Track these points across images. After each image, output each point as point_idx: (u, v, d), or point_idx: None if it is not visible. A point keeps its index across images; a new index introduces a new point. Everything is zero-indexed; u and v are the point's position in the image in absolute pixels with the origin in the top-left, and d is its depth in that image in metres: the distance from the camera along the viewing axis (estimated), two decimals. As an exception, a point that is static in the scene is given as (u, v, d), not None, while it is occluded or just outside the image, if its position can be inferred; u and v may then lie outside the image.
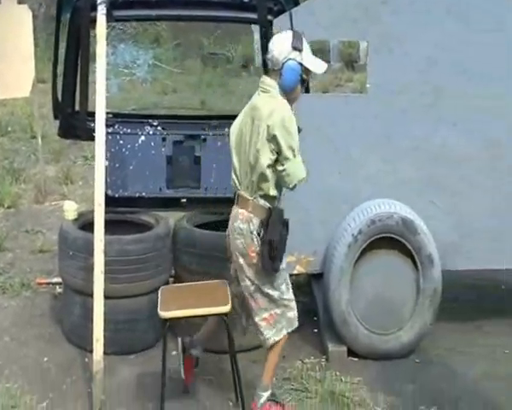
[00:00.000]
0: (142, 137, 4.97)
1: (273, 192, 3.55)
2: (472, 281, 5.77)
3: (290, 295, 3.76)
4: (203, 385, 4.25)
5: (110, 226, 4.30)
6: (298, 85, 3.50)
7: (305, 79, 3.51)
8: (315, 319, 5.06)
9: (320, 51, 18.26)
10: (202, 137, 4.98)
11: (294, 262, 4.64)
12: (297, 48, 3.39)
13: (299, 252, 4.63)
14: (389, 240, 4.51)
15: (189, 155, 5.03)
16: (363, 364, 4.55)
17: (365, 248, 4.50)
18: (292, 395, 4.13)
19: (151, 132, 4.98)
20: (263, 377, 3.81)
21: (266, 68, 3.61)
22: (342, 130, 4.52)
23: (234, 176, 3.69)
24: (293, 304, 3.77)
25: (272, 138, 3.42)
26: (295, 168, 3.50)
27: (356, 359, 4.59)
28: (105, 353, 4.02)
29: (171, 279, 4.84)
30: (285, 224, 3.58)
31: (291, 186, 3.56)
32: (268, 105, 3.46)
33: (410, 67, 4.51)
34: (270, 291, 3.65)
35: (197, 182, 5.02)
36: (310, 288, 5.30)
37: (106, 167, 4.46)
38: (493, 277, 5.69)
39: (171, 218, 5.23)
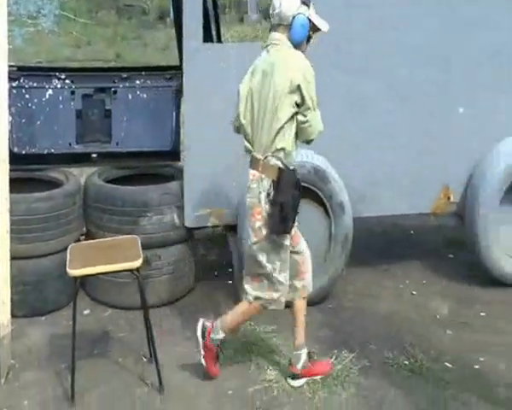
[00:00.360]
0: (50, 91, 4.82)
1: (289, 148, 3.43)
2: (382, 228, 5.95)
3: (282, 278, 3.57)
4: (116, 343, 4.23)
5: (17, 184, 4.19)
6: (305, 40, 3.42)
7: (310, 36, 3.44)
8: (230, 270, 5.08)
9: (237, 3, 18.41)
10: (113, 89, 4.86)
11: (208, 214, 4.65)
12: (306, 2, 3.36)
13: (212, 204, 4.63)
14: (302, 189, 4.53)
15: (99, 109, 4.91)
16: (278, 312, 4.55)
17: None
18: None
19: (59, 86, 4.83)
20: (295, 335, 3.83)
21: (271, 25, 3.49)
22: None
23: (246, 140, 3.56)
24: (282, 288, 3.59)
25: (296, 89, 3.31)
26: (316, 120, 3.41)
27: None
28: (14, 316, 3.95)
29: (83, 237, 4.76)
30: (298, 185, 3.45)
31: (312, 137, 3.45)
32: (285, 57, 3.37)
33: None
34: (263, 262, 3.52)
35: (108, 136, 4.93)
36: (225, 241, 5.31)
37: (11, 123, 4.29)
38: (402, 223, 5.89)
39: (83, 174, 5.12)
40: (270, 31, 3.48)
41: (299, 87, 3.30)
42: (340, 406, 3.62)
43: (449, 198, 5.01)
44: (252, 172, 3.49)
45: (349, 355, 4.05)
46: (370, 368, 3.96)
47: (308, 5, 3.38)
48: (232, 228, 4.81)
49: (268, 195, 3.40)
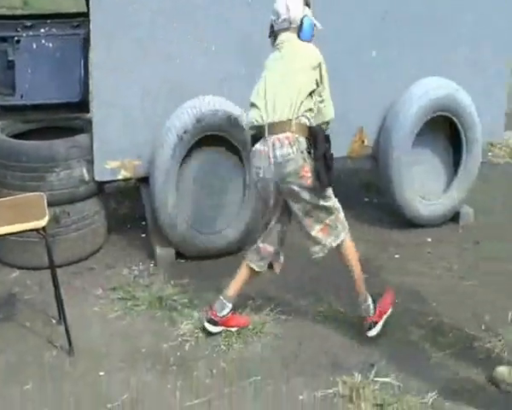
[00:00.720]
0: None
1: (315, 109, 3.57)
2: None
3: (335, 198, 3.66)
4: (23, 305, 4.09)
5: None
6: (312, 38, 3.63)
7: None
8: (143, 223, 4.99)
9: None
10: (15, 39, 4.59)
11: (119, 167, 4.51)
12: (308, 4, 3.64)
13: (123, 156, 4.49)
14: (216, 138, 4.46)
15: (0, 60, 4.64)
16: (192, 265, 4.56)
17: (191, 147, 4.43)
18: (119, 304, 4.08)
19: (-43, 35, 4.53)
20: (357, 289, 3.73)
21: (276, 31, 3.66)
22: (160, 23, 4.35)
23: (256, 113, 3.54)
24: (339, 205, 3.67)
25: (317, 66, 3.52)
26: (330, 103, 3.66)
27: (184, 260, 4.60)
28: None
29: (-14, 195, 4.54)
30: (328, 138, 3.54)
31: (327, 119, 3.67)
32: (300, 45, 3.58)
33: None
34: (326, 203, 3.57)
35: (11, 88, 4.65)
36: (138, 193, 5.20)
37: None
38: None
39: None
40: (272, 35, 3.67)
41: (319, 65, 3.52)
42: (254, 356, 3.61)
43: (363, 141, 5.02)
44: (281, 136, 3.44)
45: (266, 306, 4.03)
46: (287, 318, 3.96)
47: (309, 6, 3.64)
48: (145, 180, 4.69)
49: (308, 153, 3.46)
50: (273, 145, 3.45)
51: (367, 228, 5.15)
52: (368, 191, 5.73)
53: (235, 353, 3.65)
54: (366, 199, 5.66)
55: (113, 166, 4.48)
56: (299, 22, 3.56)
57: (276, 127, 3.45)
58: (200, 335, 3.78)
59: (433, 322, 3.94)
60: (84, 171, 4.44)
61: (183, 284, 4.29)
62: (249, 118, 3.60)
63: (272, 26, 3.64)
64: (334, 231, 3.62)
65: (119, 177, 4.55)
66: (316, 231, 3.62)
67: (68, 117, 4.81)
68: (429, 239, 5.02)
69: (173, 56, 4.41)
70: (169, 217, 4.45)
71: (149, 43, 4.35)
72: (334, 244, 3.65)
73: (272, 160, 3.47)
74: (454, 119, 4.97)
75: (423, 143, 5.01)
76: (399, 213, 5.11)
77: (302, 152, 3.45)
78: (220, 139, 4.48)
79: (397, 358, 3.59)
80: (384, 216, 5.25)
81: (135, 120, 4.43)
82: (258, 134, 3.53)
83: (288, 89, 3.47)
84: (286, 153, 3.43)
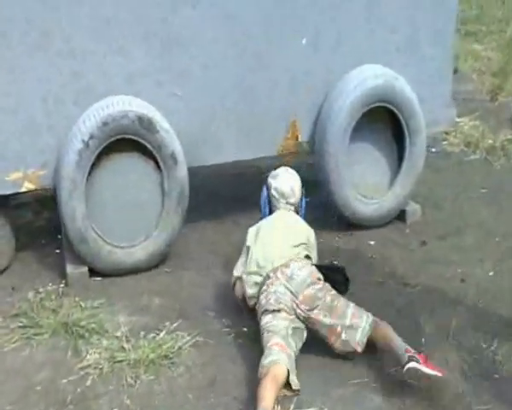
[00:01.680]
0: None
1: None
2: (238, 170, 5.57)
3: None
4: None
5: None
6: None
7: None
8: (59, 237, 4.60)
9: None
10: None
11: (22, 179, 4.10)
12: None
13: (26, 166, 4.09)
14: (127, 141, 4.09)
15: None
16: (108, 283, 4.20)
17: (101, 153, 4.06)
18: (19, 334, 3.71)
19: None
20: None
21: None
22: (53, 22, 3.93)
23: (258, 267, 3.63)
24: None
25: (308, 240, 3.87)
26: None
27: (100, 278, 4.24)
28: None
29: None
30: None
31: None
32: (295, 217, 3.98)
33: None
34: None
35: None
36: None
37: None
38: (259, 164, 5.54)
39: None
40: (271, 203, 4.00)
41: (309, 240, 3.83)
42: (163, 390, 3.26)
43: (297, 137, 4.67)
44: (292, 264, 3.55)
45: (183, 327, 3.71)
46: (205, 341, 3.62)
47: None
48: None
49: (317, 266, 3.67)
50: (282, 274, 3.51)
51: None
52: (306, 190, 5.34)
53: (142, 386, 3.30)
54: (306, 199, 5.28)
55: (15, 178, 4.08)
56: (299, 201, 3.99)
57: (282, 266, 3.56)
58: (106, 365, 3.43)
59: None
60: (-20, 184, 4.04)
61: (95, 307, 3.94)
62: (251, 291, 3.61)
63: (270, 201, 3.97)
64: (361, 310, 3.45)
65: (23, 189, 4.15)
66: (348, 318, 3.38)
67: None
68: (372, 242, 4.70)
69: (78, 54, 4.01)
70: (78, 231, 4.09)
71: (52, 40, 3.94)
72: (371, 318, 3.40)
73: (281, 285, 3.49)
74: (394, 109, 4.64)
75: (363, 136, 4.70)
76: (339, 214, 4.78)
77: (312, 264, 3.66)
78: (134, 143, 4.10)
79: (321, 385, 3.25)
80: (323, 217, 4.91)
81: (38, 125, 4.04)
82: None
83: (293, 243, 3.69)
84: (295, 274, 3.52)
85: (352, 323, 3.36)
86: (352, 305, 3.45)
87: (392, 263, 4.42)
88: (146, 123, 4.04)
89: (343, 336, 3.35)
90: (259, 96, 4.48)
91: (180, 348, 3.55)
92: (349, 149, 4.61)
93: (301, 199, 4.02)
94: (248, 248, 3.75)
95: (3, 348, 3.60)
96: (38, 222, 5.01)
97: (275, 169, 4.10)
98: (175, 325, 3.74)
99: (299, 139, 4.70)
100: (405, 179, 4.84)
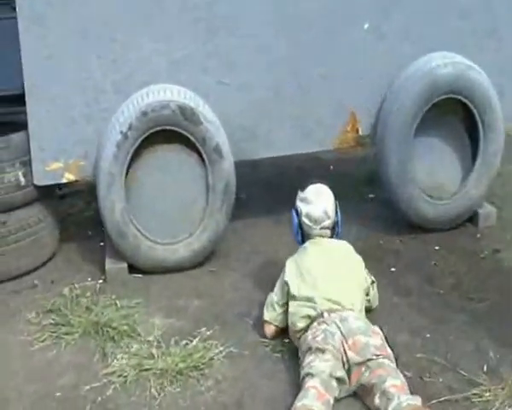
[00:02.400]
0: None
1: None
2: (298, 163, 5.31)
3: None
4: None
5: None
6: None
7: None
8: (103, 230, 4.48)
9: None
10: None
11: (62, 169, 4.03)
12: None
13: (67, 156, 4.01)
14: (170, 133, 3.91)
15: None
16: (148, 280, 4.06)
17: (140, 145, 3.90)
18: (49, 331, 3.61)
19: None
20: None
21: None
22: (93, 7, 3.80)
23: (309, 301, 3.35)
24: None
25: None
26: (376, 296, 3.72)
27: (140, 275, 4.10)
28: None
29: None
30: None
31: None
32: (345, 245, 3.65)
33: None
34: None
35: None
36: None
37: None
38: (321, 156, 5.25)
39: None
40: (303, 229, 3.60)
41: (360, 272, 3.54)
42: (190, 405, 3.08)
43: (357, 130, 4.37)
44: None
45: (218, 337, 3.51)
46: (240, 352, 3.42)
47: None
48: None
49: None
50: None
51: (364, 231, 4.50)
52: (374, 185, 5.03)
53: (166, 400, 3.13)
54: (371, 195, 4.99)
55: (55, 168, 4.01)
56: (334, 221, 3.59)
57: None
58: (132, 374, 3.27)
59: (421, 361, 3.30)
60: (20, 175, 3.97)
61: (130, 306, 3.79)
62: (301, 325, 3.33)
63: (302, 228, 3.59)
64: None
65: (63, 180, 4.07)
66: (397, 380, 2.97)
67: (8, 111, 4.31)
68: (437, 247, 4.35)
69: (119, 41, 3.87)
70: (117, 225, 3.97)
71: (92, 26, 3.82)
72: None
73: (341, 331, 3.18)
74: (467, 101, 4.25)
75: (430, 130, 4.34)
76: (402, 215, 4.45)
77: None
78: (176, 135, 3.92)
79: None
80: (386, 216, 4.61)
81: (78, 114, 3.93)
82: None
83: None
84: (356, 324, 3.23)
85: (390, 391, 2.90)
86: (401, 377, 3.01)
87: (458, 272, 4.07)
88: (188, 114, 3.85)
89: (376, 401, 2.96)
90: (315, 85, 4.21)
91: (212, 358, 3.36)
92: (414, 144, 4.26)
93: (336, 214, 3.61)
94: (287, 283, 3.45)
95: (33, 347, 3.51)
96: (88, 212, 4.92)
97: (303, 189, 3.73)
98: (210, 332, 3.55)
99: (360, 132, 4.38)
100: (479, 179, 4.45)
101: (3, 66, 4.15)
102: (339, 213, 3.60)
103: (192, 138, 3.91)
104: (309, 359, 3.09)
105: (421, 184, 4.36)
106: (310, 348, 3.12)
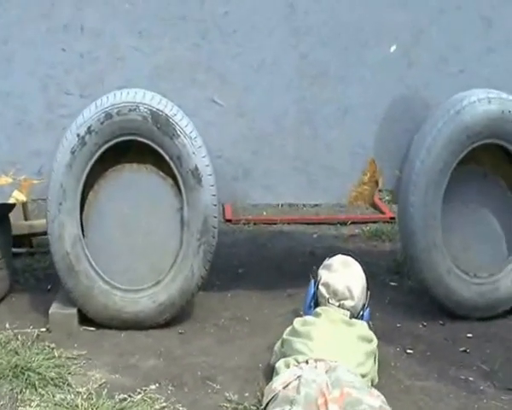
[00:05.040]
0: None
1: None
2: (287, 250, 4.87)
3: None
4: None
5: None
6: None
7: None
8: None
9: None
10: None
11: (10, 185, 3.59)
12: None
13: (15, 171, 3.59)
14: (139, 147, 3.48)
15: None
16: (99, 335, 3.53)
17: (102, 159, 3.46)
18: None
19: None
20: None
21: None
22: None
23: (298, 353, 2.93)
24: None
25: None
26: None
27: (92, 329, 3.57)
28: None
29: None
30: None
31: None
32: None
33: None
34: None
35: None
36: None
37: None
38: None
39: None
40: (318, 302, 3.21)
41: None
42: None
43: (376, 183, 3.81)
44: None
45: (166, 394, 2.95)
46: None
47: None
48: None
49: None
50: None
51: (380, 313, 3.82)
52: (395, 275, 4.43)
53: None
54: (393, 283, 4.34)
55: (0, 184, 3.54)
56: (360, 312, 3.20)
57: None
58: None
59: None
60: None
61: (70, 357, 3.28)
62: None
63: (316, 300, 3.21)
64: None
65: (10, 200, 3.63)
66: None
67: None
68: (469, 335, 3.66)
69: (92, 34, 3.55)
70: (67, 259, 3.43)
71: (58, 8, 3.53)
72: None
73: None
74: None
75: (467, 187, 3.77)
76: (430, 296, 3.81)
77: None
78: (148, 151, 3.47)
79: None
80: (409, 303, 4.03)
81: (33, 119, 3.58)
82: None
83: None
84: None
85: None
86: None
87: (494, 362, 3.36)
88: (162, 121, 3.41)
89: None
90: (327, 120, 3.73)
91: None
92: (444, 205, 3.67)
93: (363, 308, 3.19)
94: (284, 341, 3.04)
95: None
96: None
97: (330, 257, 3.32)
98: (160, 391, 2.98)
99: (380, 186, 3.83)
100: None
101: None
102: (367, 310, 3.21)
103: (166, 156, 3.43)
104: None
105: (454, 258, 3.73)
106: (274, 398, 2.45)
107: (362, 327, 3.08)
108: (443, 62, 3.79)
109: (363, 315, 3.19)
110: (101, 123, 3.36)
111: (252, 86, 3.67)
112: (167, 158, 3.43)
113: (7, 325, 3.53)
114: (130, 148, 3.48)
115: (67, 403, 2.82)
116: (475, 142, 3.64)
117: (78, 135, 3.36)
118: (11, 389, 2.96)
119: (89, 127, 3.36)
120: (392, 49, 3.73)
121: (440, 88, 3.78)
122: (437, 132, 3.62)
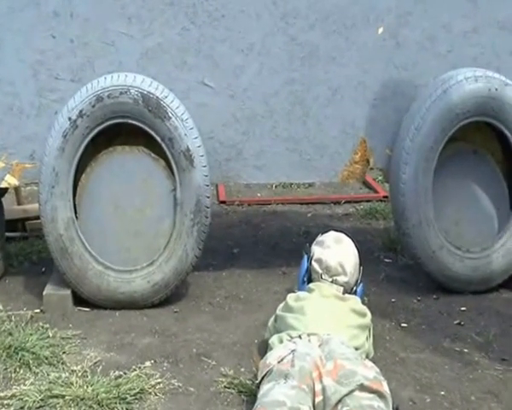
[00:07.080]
0: None
1: None
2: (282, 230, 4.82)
3: None
4: None
5: None
6: None
7: None
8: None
9: None
10: None
11: (2, 170, 3.54)
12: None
13: (8, 155, 3.57)
14: (130, 130, 3.43)
15: None
16: (94, 315, 3.49)
17: (94, 142, 3.42)
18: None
19: None
20: None
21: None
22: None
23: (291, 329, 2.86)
24: None
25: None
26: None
27: (87, 309, 3.51)
28: None
29: None
30: None
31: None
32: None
33: None
34: None
35: None
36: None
37: None
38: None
39: None
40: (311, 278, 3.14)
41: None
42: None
43: (368, 162, 3.78)
44: None
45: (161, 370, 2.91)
46: (185, 387, 2.79)
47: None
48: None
49: None
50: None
51: (374, 289, 3.81)
52: (389, 252, 4.39)
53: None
54: (387, 260, 4.30)
55: (-8, 169, 3.52)
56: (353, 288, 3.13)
57: None
58: (35, 398, 2.65)
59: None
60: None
61: (65, 337, 3.22)
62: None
63: (310, 275, 3.14)
64: None
65: (3, 184, 3.56)
66: None
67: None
68: (463, 308, 3.62)
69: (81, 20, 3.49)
70: (60, 241, 3.38)
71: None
72: None
73: None
74: (501, 126, 3.65)
75: (456, 163, 3.73)
76: (424, 271, 3.78)
77: None
78: (139, 133, 3.43)
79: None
80: (404, 278, 4.00)
81: (23, 103, 3.53)
82: None
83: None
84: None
85: None
86: None
87: (488, 334, 3.32)
88: (153, 104, 3.36)
89: None
90: (318, 101, 3.69)
91: (144, 391, 2.70)
92: (435, 182, 3.63)
93: (356, 283, 3.14)
94: (277, 317, 2.97)
95: None
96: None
97: (323, 233, 3.26)
98: (155, 367, 2.93)
99: (371, 164, 3.79)
100: (519, 229, 3.76)
101: None
102: (361, 286, 3.16)
103: (157, 137, 3.38)
104: (265, 388, 2.38)
105: (446, 233, 3.69)
106: (269, 373, 2.41)
107: (355, 302, 3.02)
108: (430, 43, 3.76)
109: (356, 291, 3.13)
110: (93, 106, 3.32)
111: (242, 68, 3.63)
112: (159, 140, 3.38)
113: (0, 307, 3.45)
114: (121, 131, 3.43)
115: (62, 381, 2.76)
116: (463, 119, 3.62)
117: (69, 119, 3.31)
118: (5, 369, 2.92)
119: (80, 111, 3.31)
120: (380, 31, 3.69)
121: (428, 68, 3.75)
122: (425, 111, 3.59)
